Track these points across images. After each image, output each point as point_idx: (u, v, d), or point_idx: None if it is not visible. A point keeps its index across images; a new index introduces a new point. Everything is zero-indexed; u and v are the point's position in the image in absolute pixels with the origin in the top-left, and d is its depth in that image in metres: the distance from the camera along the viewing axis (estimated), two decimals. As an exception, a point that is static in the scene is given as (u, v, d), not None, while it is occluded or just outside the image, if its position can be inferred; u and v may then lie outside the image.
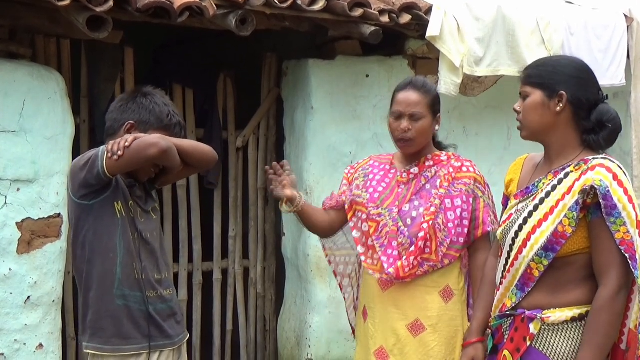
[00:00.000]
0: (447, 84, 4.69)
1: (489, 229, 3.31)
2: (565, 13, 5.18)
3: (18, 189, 3.96)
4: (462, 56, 4.70)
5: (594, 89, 2.70)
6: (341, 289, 3.69)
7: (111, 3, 3.73)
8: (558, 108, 2.66)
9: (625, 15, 5.40)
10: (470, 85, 5.12)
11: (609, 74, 5.26)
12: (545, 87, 2.68)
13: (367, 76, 4.99)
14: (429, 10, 4.68)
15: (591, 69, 2.78)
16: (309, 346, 4.89)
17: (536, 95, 2.69)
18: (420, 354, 3.30)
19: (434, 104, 3.37)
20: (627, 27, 5.38)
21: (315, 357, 4.87)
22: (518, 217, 2.69)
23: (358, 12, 4.42)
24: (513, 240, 2.69)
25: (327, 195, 3.55)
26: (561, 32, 5.07)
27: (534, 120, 2.71)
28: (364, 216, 3.39)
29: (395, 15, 4.57)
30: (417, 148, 3.37)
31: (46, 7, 3.82)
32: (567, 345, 2.59)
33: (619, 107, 5.74)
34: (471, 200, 3.32)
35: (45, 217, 4.03)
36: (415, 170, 3.38)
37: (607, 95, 2.73)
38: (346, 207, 3.47)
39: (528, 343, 2.62)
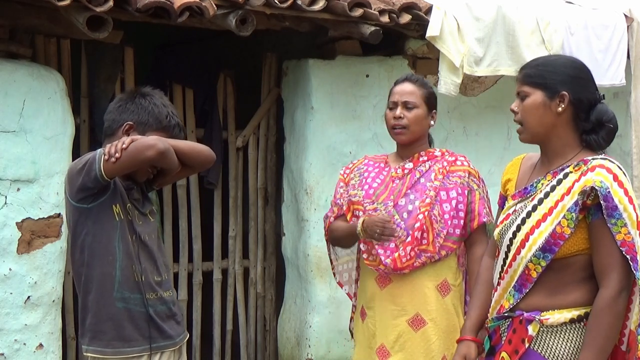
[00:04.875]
0: (447, 84, 4.69)
1: (484, 220, 3.36)
2: (565, 13, 5.17)
3: (18, 189, 3.95)
4: (462, 56, 4.70)
5: (593, 88, 2.66)
6: (350, 298, 3.70)
7: (111, 3, 3.72)
8: (559, 109, 2.61)
9: (625, 15, 5.39)
10: (470, 85, 5.12)
11: (609, 74, 5.26)
12: (546, 87, 2.62)
13: (367, 76, 4.98)
14: (429, 10, 4.67)
15: (589, 69, 2.74)
16: (309, 346, 4.88)
17: (537, 96, 2.63)
18: (422, 348, 3.32)
19: (429, 98, 3.43)
20: (627, 27, 5.37)
21: (315, 357, 4.87)
22: (516, 218, 2.65)
23: (358, 12, 4.42)
24: (511, 240, 2.65)
25: (327, 196, 3.54)
26: (561, 32, 5.07)
27: (534, 121, 2.65)
28: (361, 213, 3.40)
29: (395, 15, 4.57)
30: (411, 137, 3.39)
31: (46, 7, 3.82)
32: (566, 347, 2.55)
33: (619, 107, 5.77)
34: (466, 192, 3.36)
35: (45, 217, 4.03)
36: (409, 165, 3.41)
37: (604, 95, 2.70)
38: (344, 208, 3.48)
39: (526, 345, 2.57)
